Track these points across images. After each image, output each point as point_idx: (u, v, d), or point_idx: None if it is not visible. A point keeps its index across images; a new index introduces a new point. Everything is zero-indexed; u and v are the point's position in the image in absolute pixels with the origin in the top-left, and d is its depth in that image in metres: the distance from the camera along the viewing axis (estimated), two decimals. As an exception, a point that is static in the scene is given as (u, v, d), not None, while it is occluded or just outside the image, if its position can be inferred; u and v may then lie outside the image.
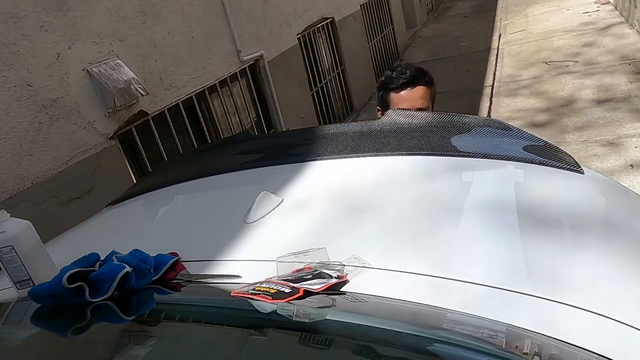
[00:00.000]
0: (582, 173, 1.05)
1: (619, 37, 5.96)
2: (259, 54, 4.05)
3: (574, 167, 1.06)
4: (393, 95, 1.67)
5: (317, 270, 0.78)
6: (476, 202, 1.00)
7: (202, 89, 3.43)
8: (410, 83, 1.65)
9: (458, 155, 1.15)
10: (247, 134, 1.76)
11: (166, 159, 3.04)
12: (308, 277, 0.76)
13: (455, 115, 1.27)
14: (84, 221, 1.46)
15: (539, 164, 1.07)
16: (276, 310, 0.71)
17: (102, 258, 0.92)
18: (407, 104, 1.63)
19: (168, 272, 0.90)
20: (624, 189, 1.09)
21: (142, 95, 2.73)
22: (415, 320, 0.72)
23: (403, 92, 1.65)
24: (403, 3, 8.72)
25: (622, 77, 4.79)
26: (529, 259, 0.79)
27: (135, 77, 2.70)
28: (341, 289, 0.77)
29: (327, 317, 0.71)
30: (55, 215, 2.28)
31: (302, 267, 0.81)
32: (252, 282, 0.79)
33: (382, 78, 1.74)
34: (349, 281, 0.78)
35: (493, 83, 5.78)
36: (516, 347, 0.64)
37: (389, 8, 7.86)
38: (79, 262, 0.91)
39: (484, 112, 4.99)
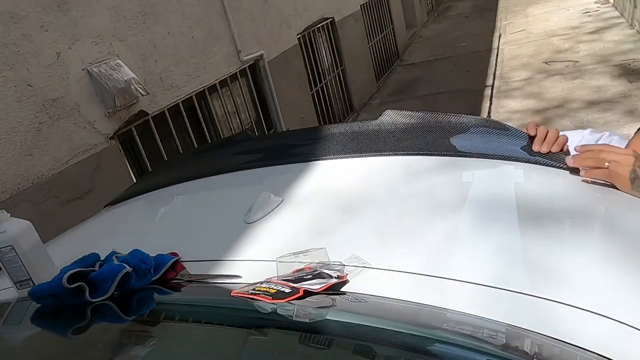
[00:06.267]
0: (578, 172, 1.05)
1: (619, 36, 5.96)
2: (259, 54, 4.05)
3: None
4: None
5: (317, 270, 0.78)
6: (475, 201, 1.00)
7: (202, 89, 3.43)
8: None
9: (456, 155, 1.15)
10: (245, 134, 1.76)
11: (166, 159, 3.04)
12: (308, 277, 0.76)
13: (453, 116, 1.27)
14: (84, 221, 1.46)
15: (536, 163, 1.07)
16: (276, 310, 0.71)
17: (102, 258, 0.92)
18: None
19: (168, 272, 0.90)
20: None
21: (142, 95, 2.73)
22: (415, 320, 0.71)
23: None
24: (403, 3, 8.72)
25: (622, 77, 4.79)
26: (529, 258, 0.79)
27: (135, 77, 2.71)
28: (341, 289, 0.77)
29: (327, 317, 0.71)
30: (55, 215, 2.28)
31: (302, 267, 0.81)
32: (252, 282, 0.79)
33: None
34: (349, 281, 0.78)
35: (493, 83, 5.77)
36: (516, 347, 0.64)
37: (389, 8, 7.86)
38: (79, 262, 0.91)
39: (484, 113, 4.98)
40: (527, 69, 5.85)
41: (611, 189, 0.95)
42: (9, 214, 0.96)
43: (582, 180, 0.99)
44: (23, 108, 2.23)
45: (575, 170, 1.01)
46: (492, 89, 5.59)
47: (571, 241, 0.84)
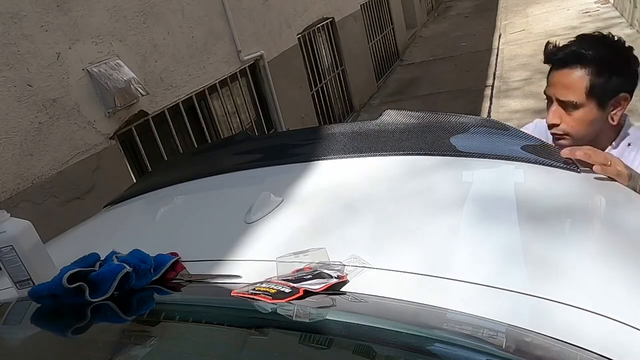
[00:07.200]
0: (579, 172, 1.05)
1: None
2: (259, 54, 4.06)
3: (570, 166, 1.06)
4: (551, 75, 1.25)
5: (317, 270, 0.78)
6: (475, 201, 1.00)
7: (202, 89, 3.43)
8: (561, 61, 1.21)
9: (456, 155, 1.15)
10: (245, 134, 1.76)
11: (166, 159, 3.04)
12: (308, 277, 0.76)
13: (453, 115, 1.27)
14: (84, 221, 1.46)
15: (536, 163, 1.07)
16: (276, 310, 0.71)
17: (102, 258, 0.92)
18: (551, 90, 1.24)
19: (168, 272, 0.90)
20: (619, 186, 1.09)
21: (142, 95, 2.73)
22: (415, 320, 0.72)
23: (554, 73, 1.24)
24: (403, 3, 8.72)
25: (622, 77, 4.78)
26: (529, 258, 0.79)
27: (135, 77, 2.71)
28: (341, 289, 0.77)
29: (327, 317, 0.71)
30: (55, 215, 2.28)
31: (302, 267, 0.81)
32: (252, 282, 0.79)
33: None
34: (349, 281, 0.78)
35: (493, 83, 5.78)
36: (516, 347, 0.64)
37: (389, 8, 7.86)
38: (79, 262, 0.91)
39: (484, 112, 4.98)
40: (527, 68, 5.85)
41: (611, 188, 0.95)
42: (9, 214, 0.96)
43: (595, 178, 1.03)
44: (23, 108, 2.23)
45: (567, 165, 1.03)
46: (492, 89, 5.59)
47: (571, 241, 0.84)
